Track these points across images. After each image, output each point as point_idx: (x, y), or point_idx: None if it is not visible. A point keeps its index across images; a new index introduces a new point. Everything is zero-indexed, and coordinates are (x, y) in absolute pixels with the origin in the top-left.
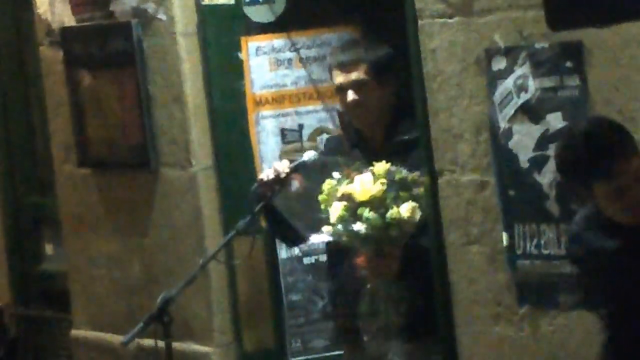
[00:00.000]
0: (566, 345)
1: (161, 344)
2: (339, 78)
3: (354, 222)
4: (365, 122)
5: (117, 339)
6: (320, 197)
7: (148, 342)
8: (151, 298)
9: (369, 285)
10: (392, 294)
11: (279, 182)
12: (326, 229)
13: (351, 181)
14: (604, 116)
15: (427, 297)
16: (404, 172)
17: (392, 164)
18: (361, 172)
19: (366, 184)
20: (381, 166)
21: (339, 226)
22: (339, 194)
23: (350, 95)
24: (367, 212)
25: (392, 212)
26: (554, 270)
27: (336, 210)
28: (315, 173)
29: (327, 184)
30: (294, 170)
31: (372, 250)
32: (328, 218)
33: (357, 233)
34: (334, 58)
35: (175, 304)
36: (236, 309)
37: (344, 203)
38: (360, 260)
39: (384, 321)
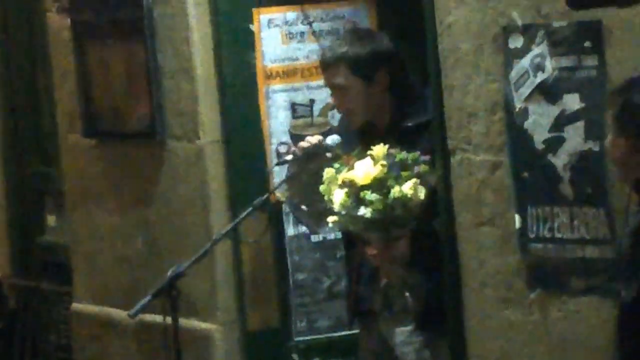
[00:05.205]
0: (576, 331)
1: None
2: (324, 79)
3: (358, 207)
4: (356, 121)
5: (118, 313)
6: (321, 187)
7: (150, 317)
8: (154, 273)
9: (383, 282)
10: (406, 284)
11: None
12: (331, 219)
13: (351, 168)
14: None
15: (441, 281)
16: (403, 153)
17: (399, 149)
18: (362, 158)
19: (366, 167)
20: (380, 149)
21: (343, 213)
22: (339, 182)
23: (334, 99)
24: (369, 195)
25: (395, 191)
26: (567, 255)
27: (338, 197)
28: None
29: (327, 173)
30: (315, 152)
31: (380, 236)
32: (332, 208)
33: (362, 218)
34: (319, 57)
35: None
36: (241, 287)
37: (346, 190)
38: (370, 249)
39: (400, 309)
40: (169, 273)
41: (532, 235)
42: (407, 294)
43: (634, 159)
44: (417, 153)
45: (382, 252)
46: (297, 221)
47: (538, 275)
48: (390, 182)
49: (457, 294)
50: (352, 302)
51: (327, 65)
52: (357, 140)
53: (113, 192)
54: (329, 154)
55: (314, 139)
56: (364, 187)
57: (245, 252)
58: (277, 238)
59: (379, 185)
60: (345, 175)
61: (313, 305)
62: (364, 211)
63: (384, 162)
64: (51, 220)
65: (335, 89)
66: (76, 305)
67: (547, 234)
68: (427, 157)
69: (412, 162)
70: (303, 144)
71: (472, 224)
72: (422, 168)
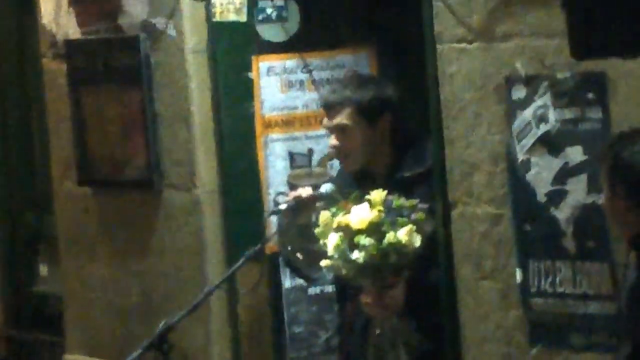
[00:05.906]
0: None
1: None
2: (325, 121)
3: (351, 251)
4: (352, 165)
5: None
6: (317, 231)
7: None
8: (149, 324)
9: (375, 333)
10: (399, 336)
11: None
12: (325, 262)
13: (348, 212)
14: None
15: (435, 335)
16: (401, 200)
17: (397, 197)
18: (359, 203)
19: (362, 212)
20: (378, 194)
21: (336, 256)
22: (334, 225)
23: (332, 140)
24: (363, 239)
25: (389, 237)
26: (569, 310)
27: (333, 241)
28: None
29: (323, 216)
30: (309, 200)
31: (374, 282)
32: (326, 251)
33: (355, 262)
34: (322, 99)
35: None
36: (236, 339)
37: (341, 233)
38: (363, 297)
39: None
40: (160, 326)
41: (533, 290)
42: (400, 345)
43: (629, 216)
44: (416, 200)
45: (375, 300)
46: (293, 272)
47: (539, 330)
48: (385, 227)
49: (457, 349)
50: (344, 354)
51: (331, 106)
52: (355, 187)
53: (107, 242)
54: (321, 203)
55: (305, 193)
56: (359, 232)
57: (241, 304)
58: (274, 290)
59: (374, 230)
60: (341, 219)
61: (309, 358)
62: (357, 255)
63: (381, 208)
64: (43, 269)
65: (338, 130)
66: (68, 357)
67: (549, 289)
68: (425, 206)
69: (410, 209)
70: (294, 193)
71: (472, 278)
72: (419, 215)
